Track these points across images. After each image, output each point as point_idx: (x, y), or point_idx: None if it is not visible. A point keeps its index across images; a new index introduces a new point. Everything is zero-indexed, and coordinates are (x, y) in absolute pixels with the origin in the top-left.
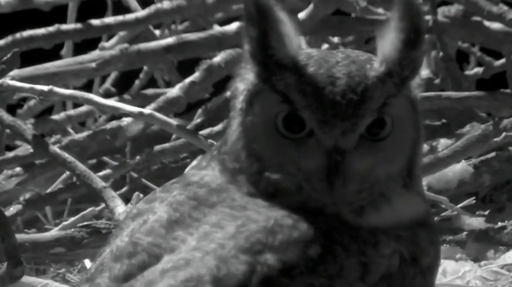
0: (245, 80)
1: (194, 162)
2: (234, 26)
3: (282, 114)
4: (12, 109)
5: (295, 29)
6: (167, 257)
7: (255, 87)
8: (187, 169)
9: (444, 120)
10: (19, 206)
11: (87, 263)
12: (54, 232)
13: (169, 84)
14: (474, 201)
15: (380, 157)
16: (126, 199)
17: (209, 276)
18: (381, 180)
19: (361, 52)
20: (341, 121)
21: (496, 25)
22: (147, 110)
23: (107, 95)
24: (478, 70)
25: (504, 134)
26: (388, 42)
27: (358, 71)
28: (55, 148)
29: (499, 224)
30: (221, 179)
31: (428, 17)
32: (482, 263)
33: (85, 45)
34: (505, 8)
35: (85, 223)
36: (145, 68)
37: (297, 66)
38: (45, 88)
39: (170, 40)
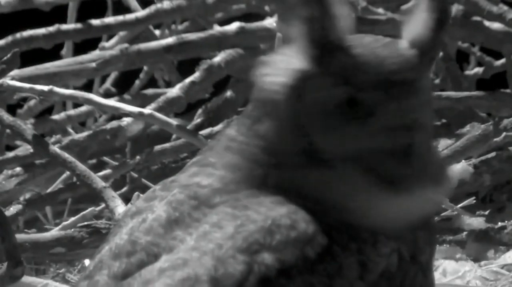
0: (283, 70)
1: None
2: (234, 26)
3: (339, 98)
4: (12, 109)
5: (347, 11)
6: (165, 257)
7: (304, 73)
8: None
9: (444, 120)
10: (19, 206)
11: (87, 263)
12: (54, 232)
13: (169, 84)
14: (474, 201)
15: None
16: (126, 199)
17: (207, 276)
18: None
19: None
20: (400, 101)
21: (496, 25)
22: (147, 110)
23: (107, 95)
24: (478, 70)
25: (504, 134)
26: (419, 23)
27: (400, 52)
28: (55, 148)
29: (499, 224)
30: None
31: None
32: (482, 263)
33: (85, 45)
34: (505, 8)
35: (85, 223)
36: (145, 68)
37: (351, 48)
38: (45, 88)
39: (170, 40)
